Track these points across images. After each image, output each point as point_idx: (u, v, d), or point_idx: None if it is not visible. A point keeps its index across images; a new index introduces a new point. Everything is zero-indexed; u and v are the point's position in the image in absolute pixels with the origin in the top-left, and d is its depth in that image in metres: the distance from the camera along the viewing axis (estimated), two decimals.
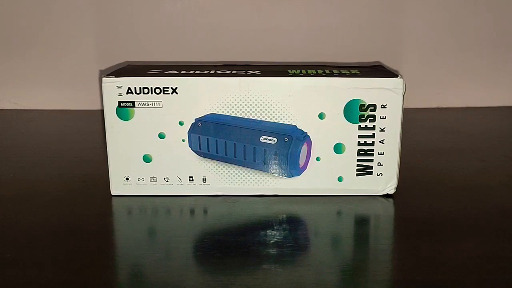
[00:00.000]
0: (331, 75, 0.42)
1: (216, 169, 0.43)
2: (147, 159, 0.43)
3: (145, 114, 0.42)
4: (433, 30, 0.74)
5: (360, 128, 0.42)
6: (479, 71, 0.75)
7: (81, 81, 0.74)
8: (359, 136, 0.42)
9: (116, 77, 0.42)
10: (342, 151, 0.42)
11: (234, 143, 0.42)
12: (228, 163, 0.43)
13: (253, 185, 0.43)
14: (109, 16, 0.72)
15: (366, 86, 0.41)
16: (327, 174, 0.43)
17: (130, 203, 0.43)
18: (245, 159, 0.43)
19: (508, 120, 0.71)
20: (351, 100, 0.41)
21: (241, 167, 0.43)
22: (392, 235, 0.38)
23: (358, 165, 0.43)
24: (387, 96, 0.41)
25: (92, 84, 0.74)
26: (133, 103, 0.42)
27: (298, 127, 0.42)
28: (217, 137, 0.42)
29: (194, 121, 0.42)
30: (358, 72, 0.43)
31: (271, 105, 0.41)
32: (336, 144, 0.42)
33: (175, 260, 0.34)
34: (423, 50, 0.74)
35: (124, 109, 0.42)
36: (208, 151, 0.43)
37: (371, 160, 0.42)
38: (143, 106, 0.42)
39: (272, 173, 0.43)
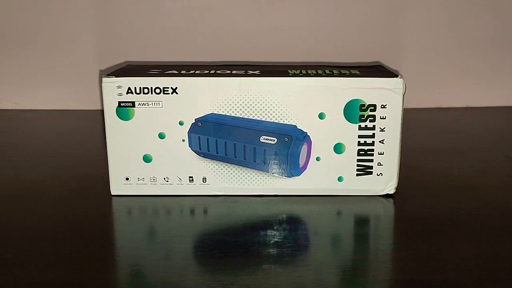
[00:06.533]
0: (331, 75, 0.42)
1: (216, 169, 0.43)
2: (147, 159, 0.43)
3: (145, 114, 0.42)
4: (433, 30, 0.74)
5: (360, 128, 0.42)
6: (479, 71, 0.75)
7: (81, 81, 0.74)
8: (359, 136, 0.42)
9: (116, 77, 0.42)
10: (342, 151, 0.42)
11: (234, 143, 0.42)
12: (228, 163, 0.43)
13: (253, 185, 0.43)
14: (109, 16, 0.72)
15: (366, 86, 0.41)
16: (327, 174, 0.43)
17: (130, 203, 0.43)
18: (245, 159, 0.43)
19: (508, 120, 0.71)
20: (351, 100, 0.41)
21: (241, 167, 0.43)
22: (392, 235, 0.38)
23: (358, 165, 0.43)
24: (387, 96, 0.41)
25: (92, 84, 0.74)
26: (133, 103, 0.42)
27: (298, 127, 0.42)
28: (217, 137, 0.42)
29: (194, 121, 0.42)
30: (358, 72, 0.43)
31: (271, 105, 0.41)
32: (336, 144, 0.42)
33: (175, 260, 0.34)
34: (423, 50, 0.74)
35: (124, 109, 0.42)
36: (208, 151, 0.43)
37: (371, 160, 0.42)
38: (143, 106, 0.42)
39: (272, 173, 0.43)
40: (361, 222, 0.40)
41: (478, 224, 0.39)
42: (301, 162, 0.42)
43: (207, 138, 0.42)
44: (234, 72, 0.43)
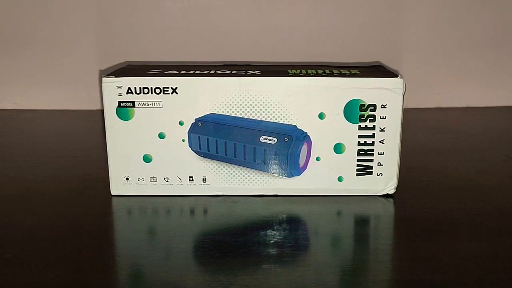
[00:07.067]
0: (331, 75, 0.42)
1: (216, 169, 0.43)
2: (147, 159, 0.43)
3: (145, 114, 0.42)
4: (433, 30, 0.74)
5: (360, 128, 0.42)
6: (479, 71, 0.75)
7: (81, 81, 0.74)
8: (359, 136, 0.42)
9: (116, 77, 0.42)
10: (342, 151, 0.42)
11: (234, 143, 0.42)
12: (228, 163, 0.43)
13: (253, 185, 0.43)
14: (109, 16, 0.72)
15: (366, 86, 0.41)
16: (327, 174, 0.43)
17: (130, 203, 0.43)
18: (245, 159, 0.43)
19: (508, 120, 0.71)
20: (351, 100, 0.41)
21: (241, 167, 0.43)
22: (392, 235, 0.38)
23: (358, 165, 0.43)
24: (387, 96, 0.41)
25: (92, 84, 0.74)
26: (133, 103, 0.42)
27: (298, 127, 0.42)
28: (217, 137, 0.42)
29: (194, 121, 0.42)
30: (358, 72, 0.43)
31: (271, 105, 0.41)
32: (336, 144, 0.42)
33: (175, 260, 0.34)
34: (423, 50, 0.74)
35: (124, 109, 0.42)
36: (208, 151, 0.43)
37: (371, 160, 0.42)
38: (143, 106, 0.42)
39: (272, 173, 0.43)
40: (361, 222, 0.40)
41: (478, 224, 0.39)
42: (301, 162, 0.42)
43: (207, 138, 0.42)
44: (234, 72, 0.43)
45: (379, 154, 0.42)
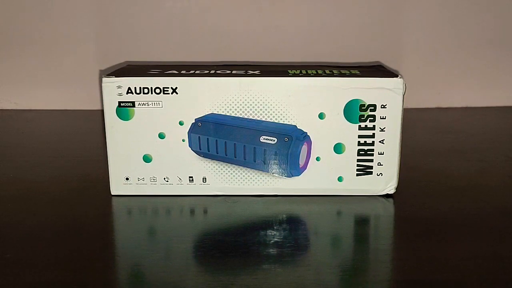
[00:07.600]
0: (331, 75, 0.42)
1: (216, 169, 0.43)
2: (147, 159, 0.43)
3: (145, 114, 0.42)
4: (433, 30, 0.74)
5: (360, 128, 0.42)
6: (479, 71, 0.75)
7: (81, 81, 0.74)
8: (359, 136, 0.42)
9: (116, 77, 0.42)
10: (342, 151, 0.42)
11: (234, 143, 0.42)
12: (228, 163, 0.43)
13: (253, 185, 0.43)
14: (109, 16, 0.72)
15: (366, 86, 0.41)
16: (327, 174, 0.43)
17: (130, 203, 0.43)
18: (245, 159, 0.43)
19: (508, 120, 0.71)
20: (351, 100, 0.41)
21: (241, 167, 0.43)
22: (392, 235, 0.38)
23: (358, 165, 0.43)
24: (387, 96, 0.41)
25: (92, 84, 0.74)
26: (133, 103, 0.42)
27: (298, 127, 0.42)
28: (217, 137, 0.42)
29: (194, 121, 0.42)
30: (358, 72, 0.43)
31: (271, 105, 0.41)
32: (336, 144, 0.42)
33: (175, 260, 0.34)
34: (423, 50, 0.74)
35: (124, 109, 0.42)
36: (208, 151, 0.43)
37: (371, 160, 0.42)
38: (143, 106, 0.42)
39: (272, 173, 0.43)
40: (361, 222, 0.40)
41: (478, 224, 0.39)
42: (301, 162, 0.42)
43: (207, 138, 0.42)
44: (234, 72, 0.43)
45: (379, 154, 0.42)
